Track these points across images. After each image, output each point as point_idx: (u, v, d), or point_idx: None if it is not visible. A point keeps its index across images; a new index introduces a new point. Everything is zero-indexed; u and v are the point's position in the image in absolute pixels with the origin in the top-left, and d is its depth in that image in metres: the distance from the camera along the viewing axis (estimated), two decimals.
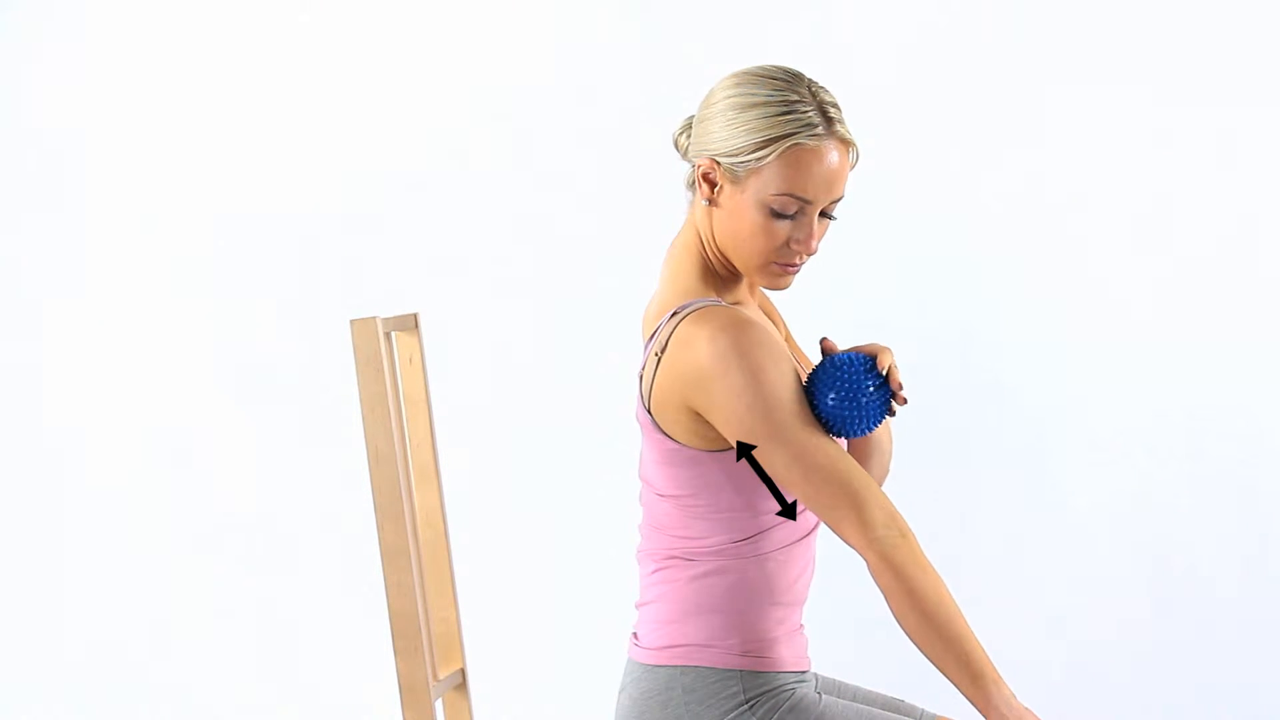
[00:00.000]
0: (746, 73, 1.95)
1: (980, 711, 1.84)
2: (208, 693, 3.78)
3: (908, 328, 3.65)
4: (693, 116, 2.02)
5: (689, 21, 3.66)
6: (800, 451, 1.87)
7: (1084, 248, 3.64)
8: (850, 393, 1.91)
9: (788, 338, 2.23)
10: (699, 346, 1.89)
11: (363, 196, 3.74)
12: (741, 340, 1.88)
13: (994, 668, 1.85)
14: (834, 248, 2.76)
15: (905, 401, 1.95)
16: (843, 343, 2.08)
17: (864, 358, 1.94)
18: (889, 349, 1.96)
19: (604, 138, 3.68)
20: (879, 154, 3.37)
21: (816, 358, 2.70)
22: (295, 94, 3.75)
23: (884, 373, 1.93)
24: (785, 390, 1.88)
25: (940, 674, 1.86)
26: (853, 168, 1.96)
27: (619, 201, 3.67)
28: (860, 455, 2.11)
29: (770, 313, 2.21)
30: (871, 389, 1.92)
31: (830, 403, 1.91)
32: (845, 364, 1.93)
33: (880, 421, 1.95)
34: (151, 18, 3.76)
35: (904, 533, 1.87)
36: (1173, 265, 3.64)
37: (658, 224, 2.48)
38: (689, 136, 2.01)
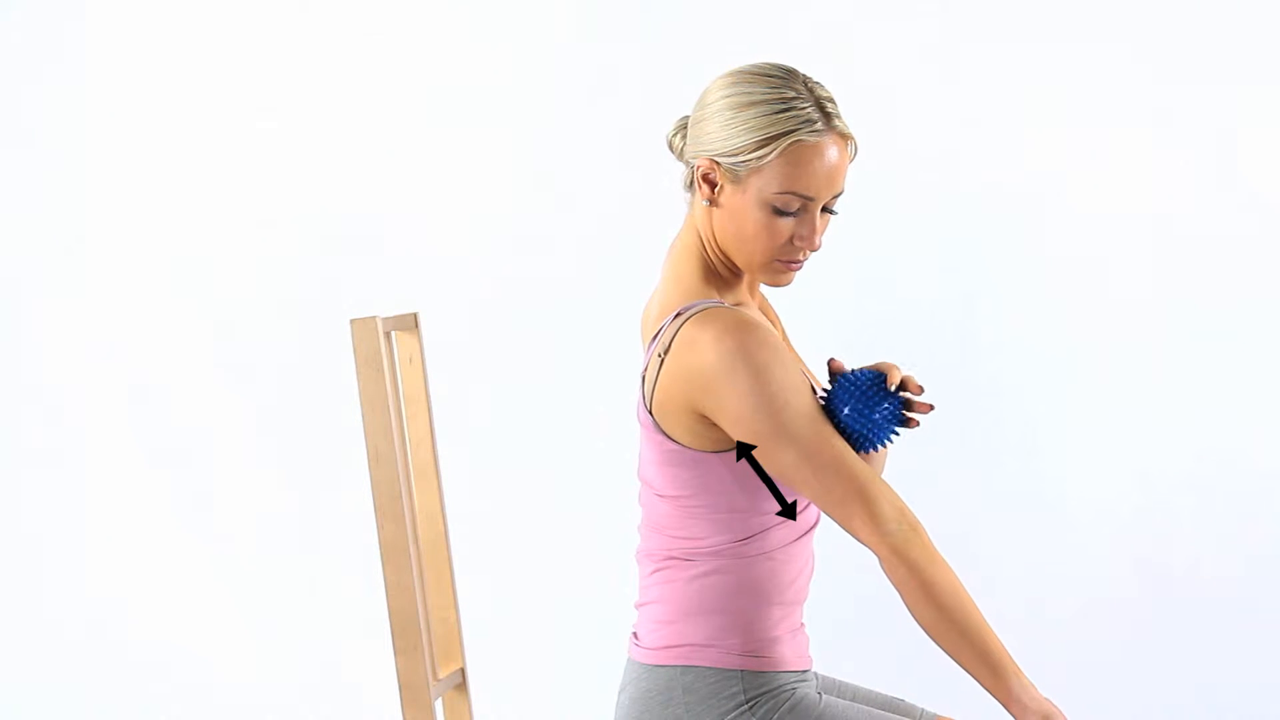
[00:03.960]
0: (741, 71, 1.95)
1: (1002, 704, 1.85)
2: (208, 692, 3.78)
3: (907, 327, 3.65)
4: (687, 117, 2.01)
5: (689, 21, 3.66)
6: (809, 450, 1.87)
7: (1084, 247, 3.64)
8: (864, 407, 1.92)
9: (784, 339, 2.23)
10: (704, 347, 1.89)
11: (363, 196, 3.74)
12: (747, 341, 1.88)
13: (1012, 659, 1.85)
14: (835, 247, 2.76)
15: (930, 408, 1.94)
16: (849, 361, 2.08)
17: (873, 373, 1.94)
18: (897, 365, 1.95)
19: (604, 137, 3.68)
20: (879, 152, 3.38)
21: (820, 372, 2.70)
22: (295, 94, 3.75)
23: (895, 388, 1.93)
24: (792, 390, 1.88)
25: (959, 668, 1.87)
26: (851, 161, 1.96)
27: (619, 201, 3.67)
28: None
29: (767, 313, 2.21)
30: (886, 405, 1.93)
31: (846, 415, 1.92)
32: (857, 379, 1.94)
33: (893, 436, 1.95)
34: (153, 16, 3.76)
35: (915, 527, 1.87)
36: (1173, 265, 3.63)
37: (658, 224, 2.48)
38: (684, 138, 2.01)
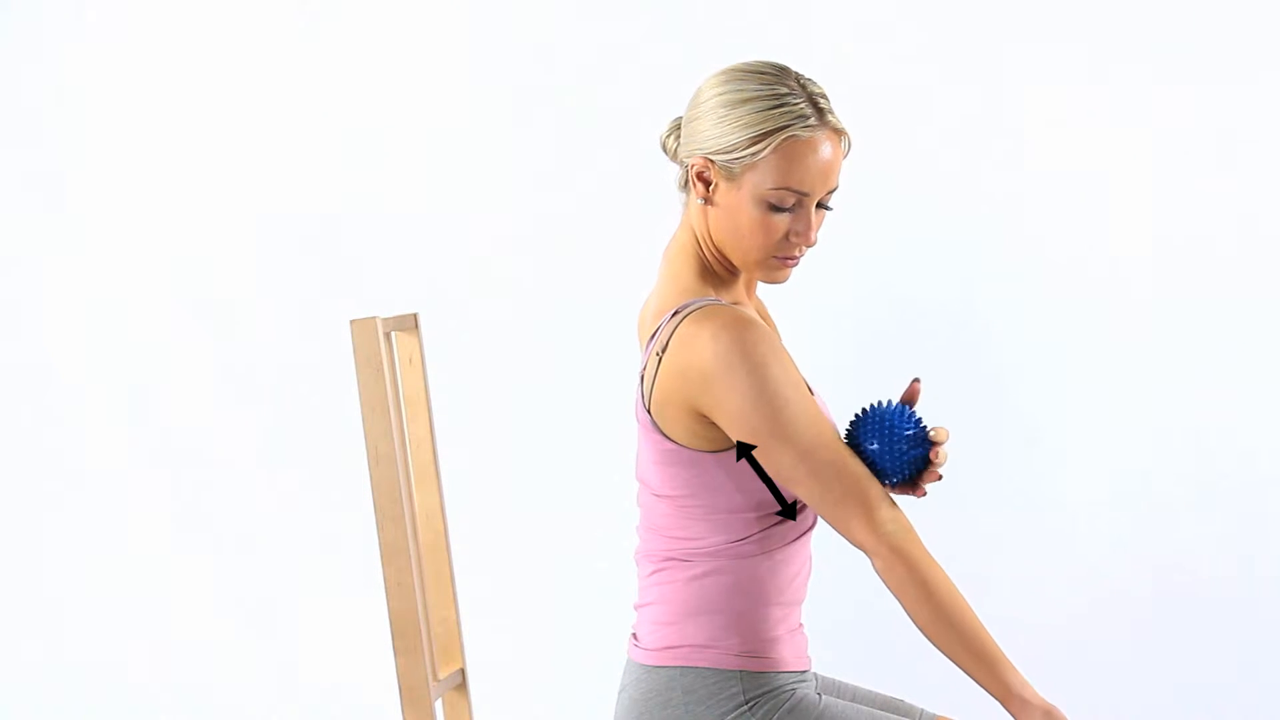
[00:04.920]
0: (733, 69, 1.95)
1: (1000, 701, 1.86)
2: (208, 693, 3.78)
3: (906, 326, 3.65)
4: (680, 118, 2.02)
5: (687, 21, 3.66)
6: (807, 449, 1.88)
7: (1084, 246, 3.64)
8: (890, 445, 1.91)
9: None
10: (701, 345, 1.89)
11: (363, 196, 3.74)
12: (744, 338, 1.88)
13: (1008, 658, 1.86)
14: (834, 246, 2.77)
15: (939, 478, 1.94)
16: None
17: (915, 420, 1.93)
18: (946, 431, 1.94)
19: (604, 137, 3.68)
20: (878, 150, 3.39)
21: (829, 370, 2.69)
22: (296, 93, 3.75)
23: (930, 442, 1.93)
24: (789, 388, 1.89)
25: (956, 668, 1.88)
26: (845, 156, 1.96)
27: (618, 201, 3.67)
28: None
29: (764, 314, 2.21)
30: (905, 448, 1.91)
31: (872, 450, 1.91)
32: (895, 415, 1.92)
33: (897, 482, 1.94)
34: (153, 15, 3.76)
35: (910, 530, 1.88)
36: (1174, 263, 3.63)
37: (657, 224, 2.48)
38: (677, 138, 2.01)
